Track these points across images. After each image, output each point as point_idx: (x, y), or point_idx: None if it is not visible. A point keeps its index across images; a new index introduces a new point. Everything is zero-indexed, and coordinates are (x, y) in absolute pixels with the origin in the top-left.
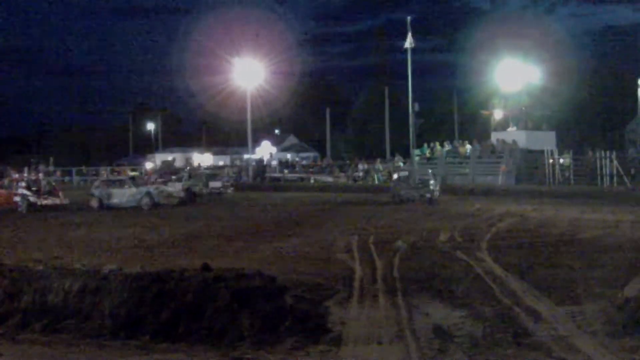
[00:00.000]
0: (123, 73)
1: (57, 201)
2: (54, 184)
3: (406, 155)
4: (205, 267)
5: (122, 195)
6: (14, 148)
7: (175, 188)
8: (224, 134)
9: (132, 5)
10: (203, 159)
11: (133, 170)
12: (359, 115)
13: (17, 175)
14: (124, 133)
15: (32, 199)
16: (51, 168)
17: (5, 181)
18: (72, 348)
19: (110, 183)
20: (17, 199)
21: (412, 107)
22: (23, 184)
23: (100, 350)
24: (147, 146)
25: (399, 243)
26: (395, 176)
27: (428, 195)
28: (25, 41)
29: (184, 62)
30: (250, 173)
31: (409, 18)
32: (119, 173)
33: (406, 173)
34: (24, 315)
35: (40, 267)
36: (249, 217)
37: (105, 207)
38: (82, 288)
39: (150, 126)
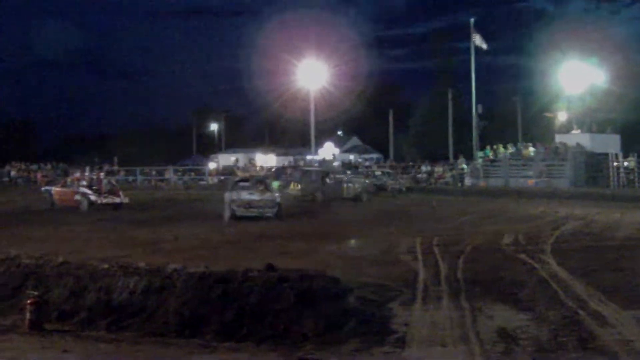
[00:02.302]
0: (187, 74)
1: (117, 200)
2: (114, 183)
3: (469, 157)
4: (270, 268)
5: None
6: (79, 148)
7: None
8: (287, 135)
9: (196, 7)
10: (266, 159)
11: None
12: (422, 117)
13: (78, 174)
14: (188, 134)
15: (92, 197)
16: (115, 168)
17: (68, 180)
18: (136, 346)
19: (240, 186)
20: (77, 197)
21: (475, 109)
22: (84, 182)
23: (165, 348)
24: (210, 147)
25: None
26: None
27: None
28: (90, 44)
29: (248, 63)
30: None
31: (472, 20)
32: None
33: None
34: (89, 312)
35: (105, 266)
36: (312, 218)
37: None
38: (146, 287)
39: (214, 127)
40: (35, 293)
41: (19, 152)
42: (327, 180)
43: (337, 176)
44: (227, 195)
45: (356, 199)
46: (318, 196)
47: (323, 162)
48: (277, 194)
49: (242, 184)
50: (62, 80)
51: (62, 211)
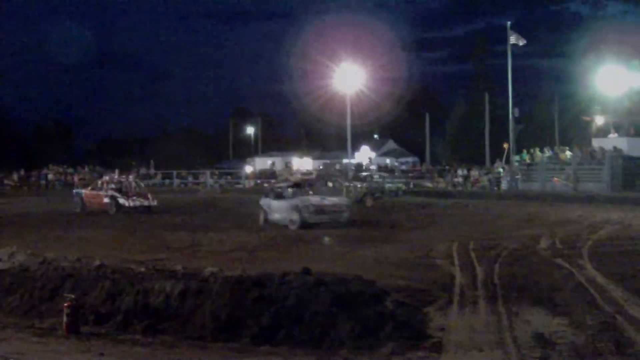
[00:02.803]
0: (224, 77)
1: (145, 203)
2: (142, 185)
3: (506, 161)
4: (306, 271)
5: (278, 209)
6: (116, 151)
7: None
8: (324, 138)
9: (233, 11)
10: (302, 163)
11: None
12: (459, 120)
13: (107, 177)
14: (224, 137)
15: (120, 200)
16: (152, 171)
17: (99, 183)
18: (173, 349)
19: (275, 192)
20: (106, 200)
21: (512, 112)
22: (112, 185)
23: (201, 352)
24: (247, 150)
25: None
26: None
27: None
28: (127, 47)
29: (285, 66)
30: (350, 177)
31: (508, 23)
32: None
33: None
34: (125, 316)
35: (142, 269)
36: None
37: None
38: (183, 290)
39: (250, 130)
40: (73, 296)
41: (57, 156)
42: (325, 184)
43: (337, 180)
44: (294, 202)
45: (359, 202)
46: None
47: (326, 165)
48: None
49: (295, 189)
50: (100, 83)
51: (98, 214)
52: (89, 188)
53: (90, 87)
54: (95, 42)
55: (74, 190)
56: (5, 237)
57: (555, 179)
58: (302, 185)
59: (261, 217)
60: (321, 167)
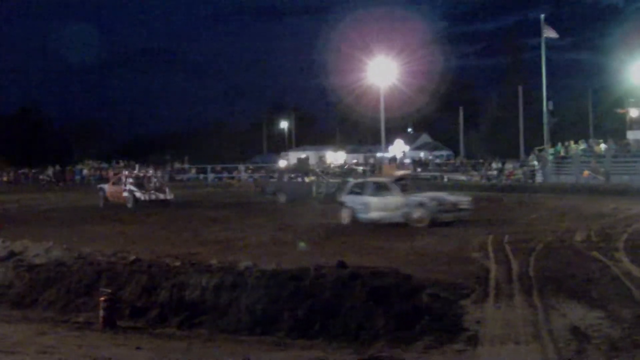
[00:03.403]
0: (257, 72)
1: (161, 197)
2: (161, 180)
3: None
4: (341, 265)
5: (384, 207)
6: (151, 147)
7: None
8: (358, 132)
9: (267, 6)
10: (336, 157)
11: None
12: (493, 113)
13: (126, 172)
14: (258, 132)
15: (137, 194)
16: (186, 166)
17: (120, 178)
18: (208, 343)
19: (368, 187)
20: (125, 194)
21: (546, 105)
22: (131, 180)
23: (237, 345)
24: (281, 144)
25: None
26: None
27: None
28: (164, 42)
29: (319, 61)
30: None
31: (542, 16)
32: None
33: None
34: (161, 310)
35: (177, 263)
36: None
37: (361, 222)
38: (218, 284)
39: (284, 125)
40: (109, 290)
41: (92, 151)
42: (294, 179)
43: (307, 176)
44: (417, 199)
45: (329, 199)
46: (280, 197)
47: (299, 160)
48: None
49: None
50: (135, 79)
51: (116, 208)
52: (111, 183)
53: (125, 84)
54: (131, 39)
55: (98, 185)
56: (41, 232)
57: (586, 172)
58: (404, 180)
59: (345, 215)
60: (295, 162)
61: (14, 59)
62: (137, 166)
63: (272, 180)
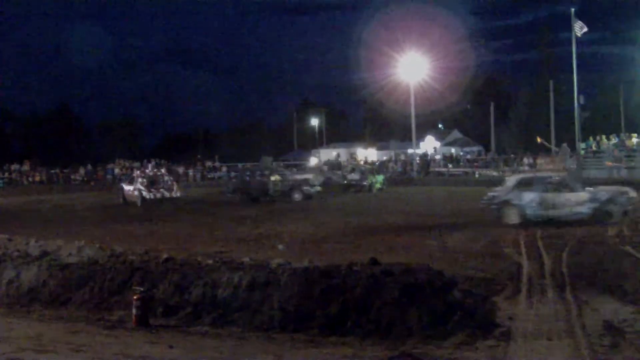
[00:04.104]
0: (288, 70)
1: (167, 194)
2: (170, 178)
3: (572, 148)
4: (374, 262)
5: (564, 203)
6: (182, 146)
7: None
8: (388, 129)
9: (297, 3)
10: (367, 154)
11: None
12: (523, 108)
13: (138, 172)
14: (289, 129)
15: (144, 193)
16: (217, 164)
17: (134, 177)
18: (241, 341)
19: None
20: (136, 193)
21: (577, 100)
22: (140, 179)
23: (270, 343)
24: (311, 142)
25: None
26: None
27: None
28: (192, 41)
29: (348, 57)
30: (415, 168)
31: (573, 10)
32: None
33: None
34: (194, 308)
35: (210, 261)
36: (415, 212)
37: (535, 222)
38: (251, 282)
39: (314, 122)
40: (141, 289)
41: (123, 150)
42: (253, 177)
43: (265, 173)
44: (611, 193)
45: (284, 196)
46: (241, 195)
47: (263, 159)
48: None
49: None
50: (166, 79)
51: (163, 208)
52: (127, 182)
53: (157, 83)
54: (164, 38)
55: (120, 184)
56: (73, 231)
57: (608, 162)
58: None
59: (511, 214)
60: (260, 161)
61: (47, 60)
62: (149, 165)
63: (232, 179)
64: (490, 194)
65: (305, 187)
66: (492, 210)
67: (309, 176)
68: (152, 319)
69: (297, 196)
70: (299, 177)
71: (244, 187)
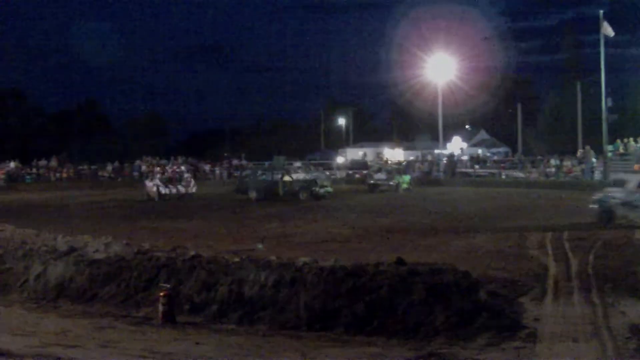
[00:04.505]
0: (315, 69)
1: (183, 190)
2: (188, 174)
3: (599, 151)
4: (400, 261)
5: None
6: (210, 143)
7: None
8: (415, 129)
9: (326, 2)
10: (394, 154)
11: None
12: (551, 110)
13: (158, 168)
14: (316, 128)
15: (161, 189)
16: (244, 162)
17: (155, 172)
18: (267, 339)
19: None
20: (154, 189)
21: (605, 102)
22: (159, 176)
23: (296, 341)
24: (338, 141)
25: (259, 246)
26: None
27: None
28: (221, 39)
29: (375, 57)
30: (442, 168)
31: (601, 12)
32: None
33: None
34: (220, 305)
35: (237, 259)
36: (441, 212)
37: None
38: (277, 280)
39: (341, 121)
40: (168, 286)
41: (150, 147)
42: (262, 177)
43: (275, 174)
44: None
45: (294, 196)
46: (250, 194)
47: (275, 159)
48: None
49: None
50: (193, 76)
51: (190, 205)
52: (149, 179)
53: (185, 80)
54: (191, 36)
55: (144, 181)
56: (100, 227)
57: (636, 165)
58: None
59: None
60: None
61: (74, 57)
62: (169, 162)
63: (244, 178)
64: (600, 195)
65: (314, 188)
66: (601, 213)
67: (320, 176)
68: (178, 316)
69: (304, 196)
70: (308, 177)
71: (254, 187)
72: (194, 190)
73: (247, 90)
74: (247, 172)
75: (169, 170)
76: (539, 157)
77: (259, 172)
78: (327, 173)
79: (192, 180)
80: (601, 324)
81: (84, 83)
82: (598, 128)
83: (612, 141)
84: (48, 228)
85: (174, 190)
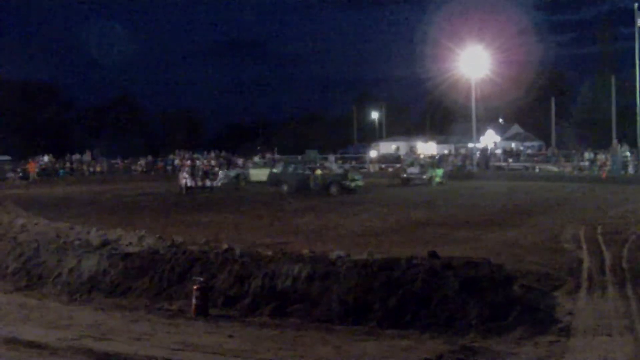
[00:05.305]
0: (348, 63)
1: (208, 184)
2: (216, 169)
3: (633, 144)
4: (433, 255)
5: None
6: (243, 137)
7: None
8: (448, 123)
9: None
10: (427, 147)
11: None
12: (585, 103)
13: (187, 162)
14: (349, 122)
15: (188, 182)
16: (276, 156)
17: (185, 165)
18: (300, 332)
19: None
20: (182, 181)
21: (639, 95)
22: (187, 169)
23: (328, 334)
24: (371, 135)
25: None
26: None
27: None
28: (254, 33)
29: (409, 50)
30: (475, 162)
31: (636, 5)
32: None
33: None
34: (253, 298)
35: (269, 252)
36: (475, 205)
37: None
38: (310, 273)
39: (374, 115)
40: (201, 279)
41: (184, 141)
42: (294, 171)
43: (307, 168)
44: None
45: (325, 190)
46: (283, 188)
47: (306, 153)
48: None
49: None
50: (227, 69)
51: (220, 198)
52: (180, 172)
53: (219, 74)
54: (224, 30)
55: (178, 174)
56: (133, 220)
57: None
58: None
59: None
60: (303, 155)
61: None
62: (199, 156)
63: (275, 171)
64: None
65: (344, 182)
66: None
67: (351, 170)
68: (211, 309)
69: (335, 190)
70: (339, 171)
71: (286, 180)
72: (219, 184)
73: (281, 84)
74: (280, 165)
75: (199, 165)
76: (573, 151)
77: (292, 165)
78: (358, 167)
79: (220, 173)
80: (635, 319)
81: (118, 77)
82: (632, 122)
83: None
84: (81, 221)
85: (199, 183)
